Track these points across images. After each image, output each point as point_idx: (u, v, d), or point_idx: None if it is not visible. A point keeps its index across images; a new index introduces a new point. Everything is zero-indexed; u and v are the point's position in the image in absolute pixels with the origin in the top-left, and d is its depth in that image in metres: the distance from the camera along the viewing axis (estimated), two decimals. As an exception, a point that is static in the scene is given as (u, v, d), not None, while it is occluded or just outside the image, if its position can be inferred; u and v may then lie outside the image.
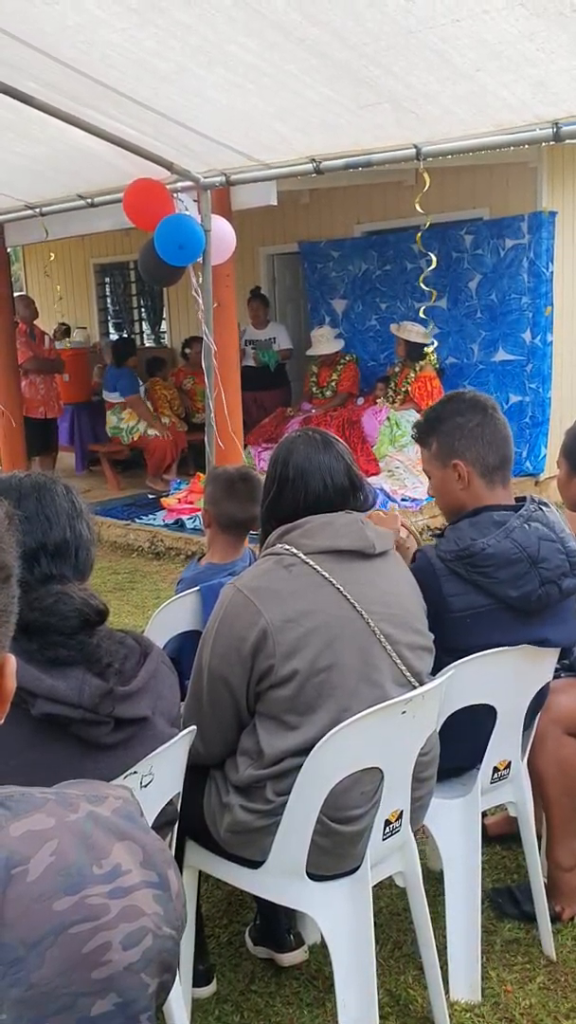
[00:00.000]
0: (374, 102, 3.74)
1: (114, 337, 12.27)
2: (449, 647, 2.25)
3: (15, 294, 9.27)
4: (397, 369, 8.21)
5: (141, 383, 9.10)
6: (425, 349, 7.73)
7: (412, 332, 7.96)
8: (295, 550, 2.05)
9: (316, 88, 3.67)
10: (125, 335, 12.19)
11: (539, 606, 2.29)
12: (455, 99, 3.63)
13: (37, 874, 0.74)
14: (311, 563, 2.02)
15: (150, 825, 0.89)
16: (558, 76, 3.33)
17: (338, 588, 2.01)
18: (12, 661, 0.84)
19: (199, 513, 6.30)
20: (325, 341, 8.58)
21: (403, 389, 8.04)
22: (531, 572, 2.24)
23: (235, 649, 2.00)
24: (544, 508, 2.37)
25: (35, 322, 9.15)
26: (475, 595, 2.30)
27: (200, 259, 5.18)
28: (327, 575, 2.02)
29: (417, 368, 7.95)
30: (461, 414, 2.40)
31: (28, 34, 3.50)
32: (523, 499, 2.42)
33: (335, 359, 8.68)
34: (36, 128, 4.59)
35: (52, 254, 10.63)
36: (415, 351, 7.93)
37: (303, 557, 2.03)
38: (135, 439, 8.89)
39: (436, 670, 2.22)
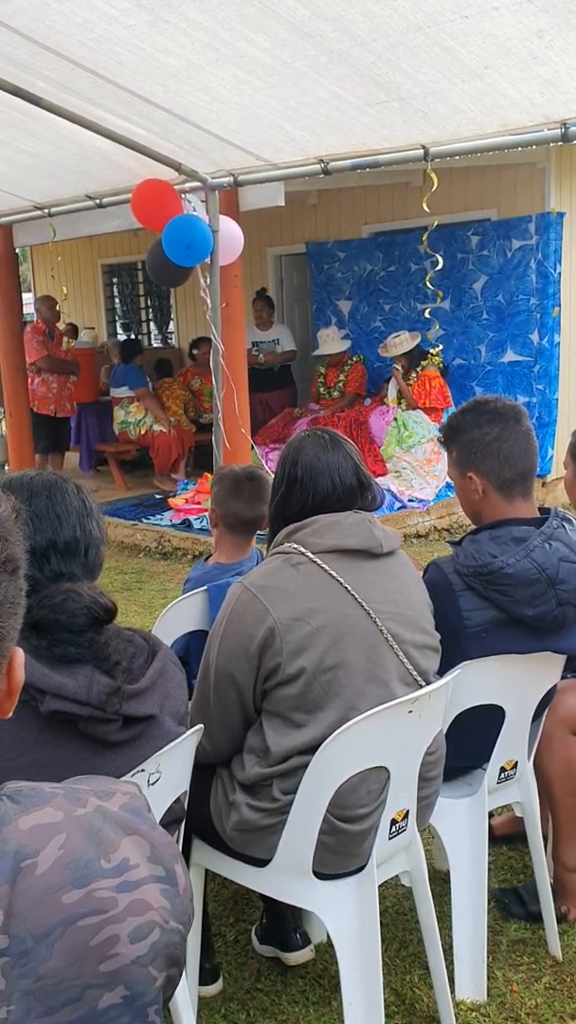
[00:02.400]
0: (382, 100, 3.74)
1: (122, 337, 12.31)
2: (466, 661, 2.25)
3: (38, 295, 9.30)
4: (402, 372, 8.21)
5: (149, 380, 9.16)
6: (431, 351, 7.74)
7: (398, 346, 7.94)
8: (303, 549, 2.05)
9: (325, 85, 3.67)
10: (133, 336, 12.23)
11: (554, 625, 2.29)
12: (463, 97, 3.63)
13: (46, 867, 0.75)
14: (319, 562, 2.03)
15: (157, 823, 0.90)
16: (567, 74, 3.32)
17: (346, 587, 2.02)
18: (20, 653, 0.85)
19: (206, 513, 6.31)
20: (331, 341, 8.58)
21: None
22: (548, 593, 2.23)
23: (242, 647, 2.01)
24: (567, 525, 2.32)
25: (55, 324, 9.23)
26: (491, 610, 2.29)
27: (208, 260, 5.19)
28: (334, 574, 2.02)
29: (418, 369, 7.96)
30: (479, 426, 2.37)
31: (39, 32, 3.51)
32: (547, 511, 2.40)
33: (342, 360, 8.69)
34: (45, 128, 4.60)
35: (59, 257, 10.65)
36: (414, 356, 7.94)
37: (311, 556, 2.03)
38: (142, 433, 8.92)
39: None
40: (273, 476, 2.24)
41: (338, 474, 2.12)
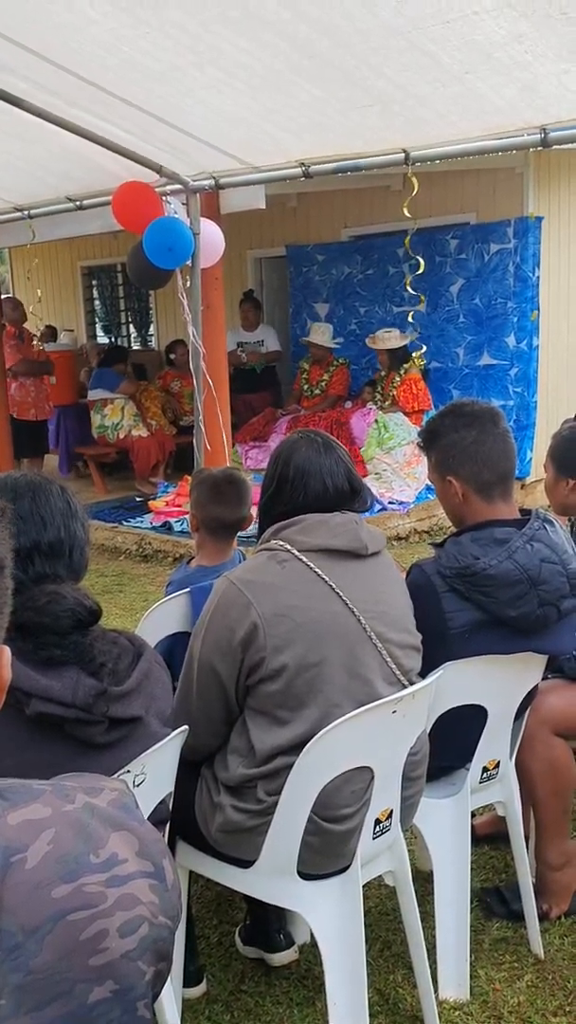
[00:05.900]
0: (364, 104, 3.75)
1: (101, 339, 12.27)
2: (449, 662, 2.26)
3: (0, 296, 9.26)
4: (383, 373, 8.24)
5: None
6: (413, 353, 7.77)
7: (387, 340, 7.97)
8: (288, 546, 2.06)
9: (307, 89, 3.68)
10: (113, 339, 12.21)
11: (537, 626, 2.29)
12: (445, 102, 3.65)
13: (35, 862, 0.75)
14: (304, 560, 2.03)
15: (146, 819, 0.90)
16: (546, 79, 3.35)
17: (331, 585, 2.03)
18: (7, 652, 0.85)
19: (187, 516, 6.29)
20: (321, 333, 8.61)
21: (390, 393, 8.07)
22: (530, 593, 2.24)
23: (226, 640, 2.02)
24: (548, 527, 2.33)
25: (23, 324, 9.15)
26: (474, 611, 2.30)
27: (189, 262, 5.18)
28: (320, 572, 2.03)
29: (402, 372, 7.98)
30: (457, 430, 2.38)
31: (20, 34, 3.50)
32: (528, 512, 2.41)
33: (328, 360, 8.70)
34: (25, 129, 4.58)
35: (36, 259, 10.60)
36: (397, 357, 7.97)
37: (296, 553, 2.04)
38: (120, 437, 8.89)
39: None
40: (264, 474, 2.24)
41: (329, 478, 2.13)
